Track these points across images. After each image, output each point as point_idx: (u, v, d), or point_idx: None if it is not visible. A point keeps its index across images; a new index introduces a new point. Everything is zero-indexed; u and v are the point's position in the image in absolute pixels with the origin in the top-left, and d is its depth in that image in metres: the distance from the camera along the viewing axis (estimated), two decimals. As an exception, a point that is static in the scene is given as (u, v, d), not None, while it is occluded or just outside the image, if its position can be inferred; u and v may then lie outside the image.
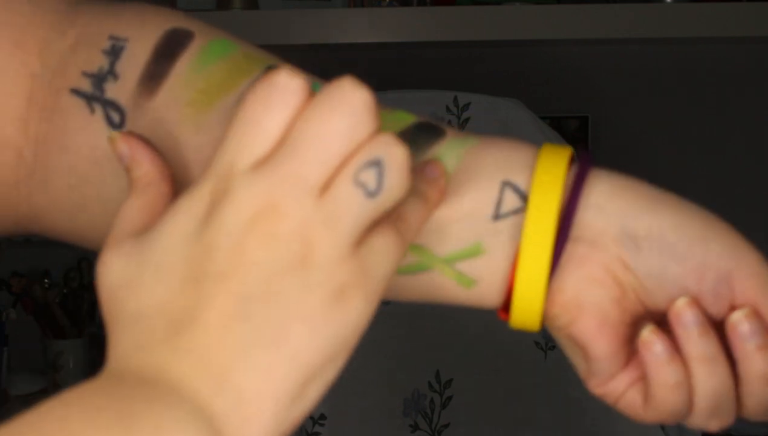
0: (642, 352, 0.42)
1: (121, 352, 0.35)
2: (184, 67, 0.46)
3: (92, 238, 0.48)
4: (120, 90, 0.46)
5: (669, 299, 0.42)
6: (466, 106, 1.29)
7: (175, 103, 0.45)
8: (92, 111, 0.46)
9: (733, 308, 0.42)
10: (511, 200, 0.44)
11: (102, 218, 0.46)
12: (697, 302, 0.41)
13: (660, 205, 0.43)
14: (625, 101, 1.78)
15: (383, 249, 0.36)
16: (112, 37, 0.46)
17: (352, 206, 0.35)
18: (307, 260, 0.34)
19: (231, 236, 0.34)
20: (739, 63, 1.77)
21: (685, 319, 0.41)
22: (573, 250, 0.43)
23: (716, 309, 0.42)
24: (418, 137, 0.45)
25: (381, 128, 0.36)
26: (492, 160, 0.44)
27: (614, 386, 0.44)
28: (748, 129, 1.79)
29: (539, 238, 0.42)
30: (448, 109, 1.29)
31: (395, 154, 0.35)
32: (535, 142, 1.41)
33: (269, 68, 0.46)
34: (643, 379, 0.43)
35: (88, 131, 0.46)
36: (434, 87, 1.33)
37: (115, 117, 0.45)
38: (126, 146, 0.40)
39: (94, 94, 0.46)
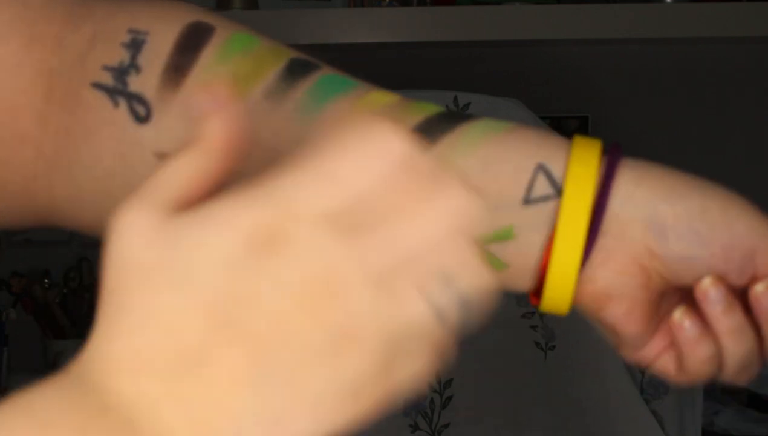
0: (675, 332, 0.44)
1: (108, 354, 0.30)
2: (208, 59, 0.46)
3: None
4: (143, 83, 0.46)
5: (695, 278, 0.44)
6: (466, 106, 1.28)
7: None
8: (116, 104, 0.46)
9: (755, 278, 0.44)
10: (542, 186, 0.44)
11: None
12: (721, 279, 0.43)
13: (685, 192, 0.45)
14: (625, 101, 1.78)
15: (414, 371, 0.33)
16: (131, 31, 0.46)
17: (413, 325, 0.31)
18: (343, 354, 0.30)
19: (277, 294, 0.29)
20: (739, 63, 1.77)
21: (711, 297, 0.43)
22: (601, 242, 0.44)
23: (741, 281, 0.44)
24: (451, 117, 0.46)
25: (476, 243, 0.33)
26: (526, 143, 0.45)
27: (646, 353, 0.46)
28: (748, 129, 1.79)
29: (573, 230, 0.43)
30: (448, 108, 1.29)
31: (481, 286, 0.32)
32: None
33: (294, 61, 0.46)
34: (674, 345, 0.45)
35: (113, 125, 0.46)
36: (434, 87, 1.33)
37: (141, 110, 0.45)
38: (209, 98, 0.33)
39: (116, 87, 0.46)
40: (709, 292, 0.43)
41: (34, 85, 0.46)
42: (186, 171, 0.32)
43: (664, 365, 0.46)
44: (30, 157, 0.47)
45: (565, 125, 1.75)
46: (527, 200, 0.44)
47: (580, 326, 1.25)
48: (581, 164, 0.44)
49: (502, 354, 1.26)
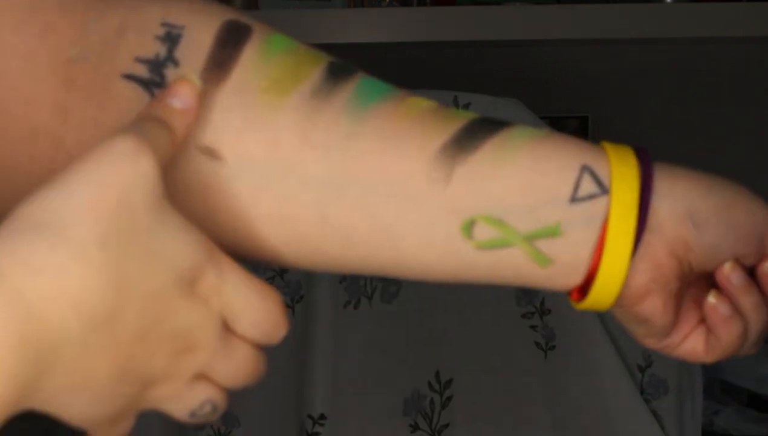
0: (709, 314, 0.48)
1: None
2: (250, 56, 0.45)
3: None
4: (183, 75, 0.44)
5: (717, 264, 0.48)
6: (466, 106, 1.28)
7: (248, 89, 0.45)
8: (152, 95, 0.45)
9: (764, 257, 0.49)
10: (588, 185, 0.46)
11: None
12: (739, 263, 0.48)
13: (713, 188, 0.48)
14: (624, 101, 1.78)
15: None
16: (166, 24, 0.45)
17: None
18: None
19: (177, 332, 0.37)
20: (739, 63, 1.77)
21: (734, 281, 0.48)
22: (644, 237, 0.47)
23: (752, 262, 0.49)
24: (489, 123, 0.47)
25: None
26: (567, 145, 0.47)
27: (670, 340, 0.50)
28: (749, 129, 1.79)
29: (624, 224, 0.45)
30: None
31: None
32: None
33: (333, 63, 0.47)
34: (701, 327, 0.49)
35: None
36: (434, 87, 1.33)
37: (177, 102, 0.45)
38: (177, 97, 0.41)
39: (152, 79, 0.45)
40: (732, 275, 0.48)
41: (52, 74, 0.45)
42: (166, 136, 0.38)
43: (693, 346, 0.50)
44: (47, 151, 0.45)
45: (565, 125, 1.75)
46: (574, 199, 0.46)
47: (580, 327, 1.25)
48: (623, 164, 0.47)
49: (502, 354, 1.26)
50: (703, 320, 0.49)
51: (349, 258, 0.47)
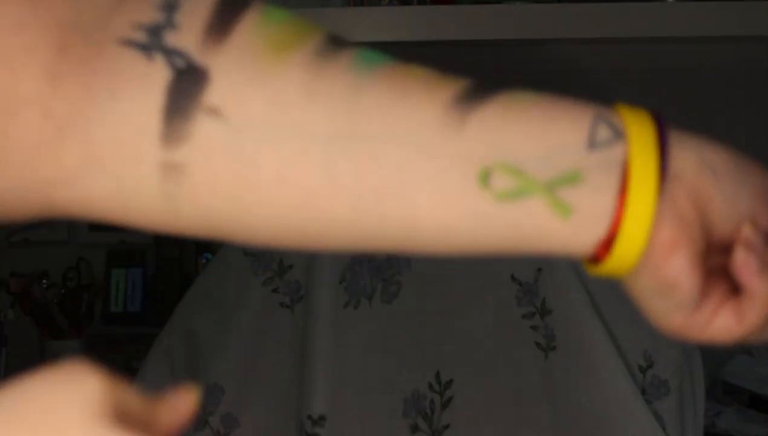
0: (742, 269, 0.46)
1: None
2: (251, 20, 0.44)
3: (136, 201, 0.45)
4: (182, 38, 0.44)
5: (735, 226, 0.46)
6: (467, 105, 1.28)
7: (250, 49, 0.44)
8: (150, 58, 0.43)
9: None
10: (603, 132, 0.45)
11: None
12: (757, 224, 0.46)
13: (720, 146, 0.48)
14: (625, 101, 1.78)
15: None
16: None
17: None
18: None
19: None
20: (741, 62, 1.77)
21: (754, 242, 0.45)
22: (665, 185, 0.45)
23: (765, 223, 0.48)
24: (488, 85, 0.46)
25: None
26: (575, 101, 0.46)
27: (701, 315, 0.46)
28: (749, 129, 1.78)
29: (645, 171, 0.44)
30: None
31: None
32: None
33: (332, 34, 0.46)
34: (726, 303, 0.46)
35: (147, 81, 0.43)
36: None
37: (179, 61, 0.43)
38: (174, 413, 0.33)
39: (150, 42, 0.44)
40: (753, 235, 0.45)
41: (44, 43, 0.44)
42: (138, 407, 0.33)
43: (725, 320, 0.47)
44: (34, 120, 0.44)
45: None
46: (592, 144, 0.44)
47: (580, 327, 1.25)
48: (636, 114, 0.46)
49: (503, 354, 1.26)
50: (730, 295, 0.47)
51: (361, 224, 0.45)
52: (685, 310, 0.46)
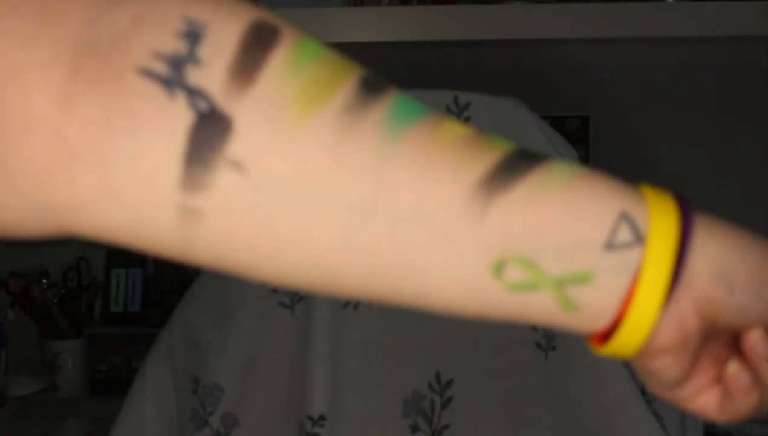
0: (730, 382, 0.47)
1: None
2: (278, 63, 0.42)
3: (151, 235, 0.44)
4: (206, 77, 0.41)
5: (744, 324, 0.46)
6: (467, 105, 1.28)
7: (275, 100, 0.42)
8: (171, 96, 0.41)
9: None
10: (624, 233, 0.44)
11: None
12: (765, 331, 0.46)
13: (749, 249, 0.46)
14: (625, 101, 1.78)
15: None
16: (187, 19, 0.42)
17: None
18: None
19: None
20: (740, 62, 1.77)
21: (761, 350, 0.46)
22: (673, 296, 0.45)
23: None
24: (527, 156, 0.44)
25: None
26: (606, 187, 0.45)
27: (681, 393, 0.48)
28: (749, 129, 1.79)
29: (657, 277, 0.44)
30: (448, 108, 1.28)
31: None
32: (536, 142, 1.40)
33: (367, 74, 0.44)
34: (713, 387, 0.48)
35: (167, 120, 0.41)
36: (434, 86, 1.33)
37: (202, 105, 0.41)
38: None
39: (172, 77, 0.41)
40: (759, 344, 0.46)
41: (54, 59, 0.42)
42: None
43: (705, 404, 0.48)
44: (45, 142, 0.42)
45: (566, 125, 1.75)
46: (610, 245, 0.44)
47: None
48: (663, 213, 0.45)
49: (503, 354, 1.26)
50: (719, 379, 0.47)
51: (370, 289, 0.45)
52: (666, 388, 0.48)
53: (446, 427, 1.26)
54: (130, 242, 0.45)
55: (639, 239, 0.44)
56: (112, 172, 0.42)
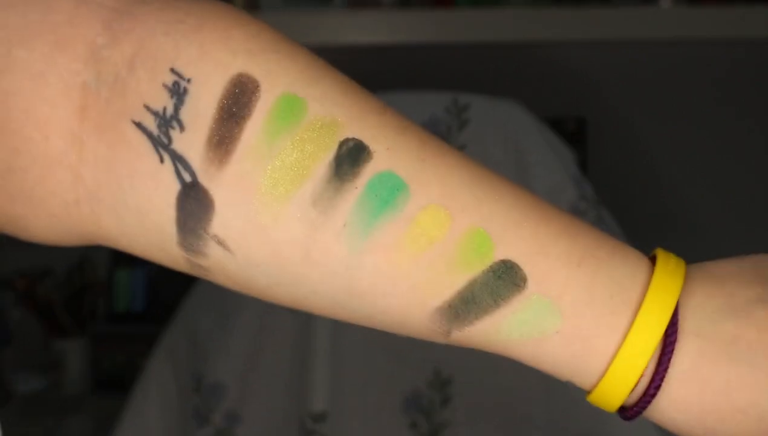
0: None
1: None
2: (252, 135, 0.42)
3: (171, 266, 0.46)
4: (188, 146, 0.42)
5: None
6: (466, 107, 1.29)
7: (248, 185, 0.42)
8: (161, 160, 0.42)
9: None
10: (576, 384, 0.45)
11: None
12: None
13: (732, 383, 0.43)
14: (622, 103, 1.79)
15: None
16: (174, 72, 0.43)
17: None
18: None
19: None
20: (736, 64, 1.77)
21: None
22: None
23: None
24: (496, 285, 0.43)
25: None
26: (560, 362, 0.44)
27: None
28: (748, 130, 1.79)
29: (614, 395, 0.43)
30: (447, 110, 1.29)
31: None
32: (534, 144, 1.40)
33: (343, 147, 0.43)
34: None
35: (160, 183, 0.43)
36: (434, 88, 1.34)
37: (186, 176, 0.42)
38: None
39: (160, 139, 0.42)
40: None
41: (64, 97, 0.43)
42: None
43: None
44: (67, 181, 0.44)
45: (564, 127, 1.75)
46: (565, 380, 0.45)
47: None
48: (607, 393, 0.43)
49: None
50: None
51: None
52: None
53: (445, 424, 1.27)
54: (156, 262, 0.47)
55: (588, 391, 0.44)
56: (123, 220, 0.44)
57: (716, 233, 1.78)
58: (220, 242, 0.43)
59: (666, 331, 0.42)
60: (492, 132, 1.30)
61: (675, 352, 0.42)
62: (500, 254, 0.43)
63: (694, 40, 1.62)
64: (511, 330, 0.43)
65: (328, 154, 0.42)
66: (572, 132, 1.75)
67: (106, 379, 1.74)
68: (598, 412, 1.26)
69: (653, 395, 0.42)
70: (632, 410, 0.43)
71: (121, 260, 1.80)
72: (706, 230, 1.78)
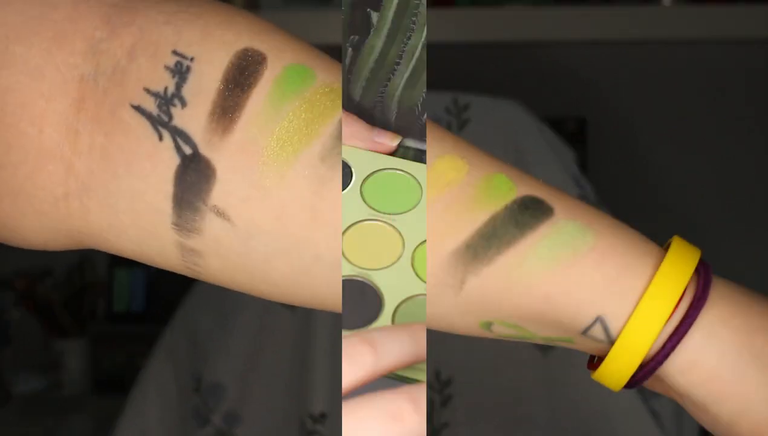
0: None
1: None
2: (259, 102, 0.42)
3: (160, 263, 0.46)
4: (189, 119, 0.42)
5: None
6: (466, 107, 1.29)
7: (253, 149, 0.42)
8: (160, 137, 0.42)
9: None
10: (598, 332, 0.42)
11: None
12: None
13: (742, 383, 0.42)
14: (623, 103, 1.79)
15: None
16: (176, 53, 0.42)
17: None
18: None
19: None
20: (736, 64, 1.78)
21: None
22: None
23: None
24: (521, 216, 0.42)
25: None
26: (592, 282, 0.42)
27: None
28: (747, 130, 1.79)
29: (620, 375, 0.43)
30: (447, 110, 1.29)
31: None
32: (534, 143, 1.40)
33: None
34: None
35: (158, 161, 0.42)
36: (433, 88, 1.34)
37: (186, 149, 0.42)
38: None
39: (160, 118, 0.42)
40: None
41: (61, 91, 0.43)
42: None
43: None
44: (58, 173, 0.43)
45: (564, 127, 1.75)
46: (585, 333, 0.42)
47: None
48: (642, 323, 0.41)
49: (502, 354, 1.27)
50: None
51: None
52: None
53: (445, 425, 1.27)
54: (145, 262, 0.47)
55: (610, 341, 0.42)
56: (116, 208, 0.44)
57: (716, 232, 1.78)
58: (220, 213, 0.42)
59: (696, 268, 0.41)
60: (492, 132, 1.30)
61: (712, 285, 0.41)
62: (522, 192, 0.42)
63: (694, 40, 1.62)
64: (539, 256, 0.41)
65: (336, 114, 0.42)
66: (572, 132, 1.75)
67: (105, 379, 1.74)
68: (598, 411, 1.27)
69: (694, 317, 0.40)
70: (661, 352, 0.41)
71: (121, 259, 1.80)
72: (706, 230, 1.77)
